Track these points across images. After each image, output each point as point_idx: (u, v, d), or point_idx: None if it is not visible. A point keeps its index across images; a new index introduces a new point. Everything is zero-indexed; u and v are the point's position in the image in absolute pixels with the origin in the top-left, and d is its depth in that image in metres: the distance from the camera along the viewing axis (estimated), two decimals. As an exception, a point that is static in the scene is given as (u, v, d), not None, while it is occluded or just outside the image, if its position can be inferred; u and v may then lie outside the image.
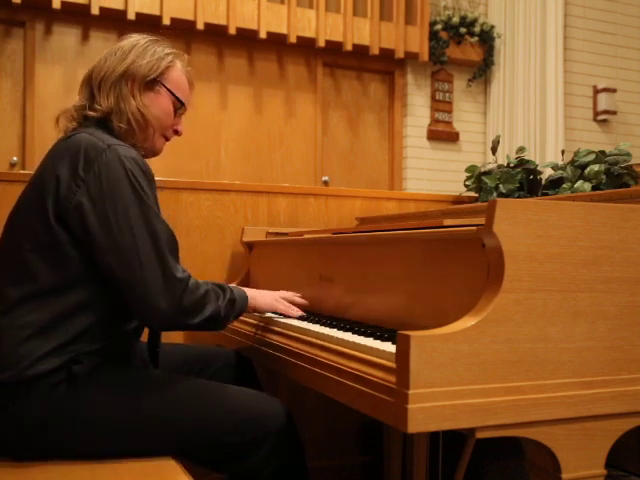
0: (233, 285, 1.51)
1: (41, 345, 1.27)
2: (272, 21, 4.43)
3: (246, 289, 1.54)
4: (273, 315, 1.65)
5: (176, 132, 1.55)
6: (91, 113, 1.42)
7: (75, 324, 1.30)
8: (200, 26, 4.22)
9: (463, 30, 4.97)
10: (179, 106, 1.52)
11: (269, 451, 1.34)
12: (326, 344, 1.29)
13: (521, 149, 2.31)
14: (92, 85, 1.45)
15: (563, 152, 2.35)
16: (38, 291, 1.29)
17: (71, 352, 1.29)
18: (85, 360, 1.30)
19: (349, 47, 4.64)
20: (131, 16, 4.05)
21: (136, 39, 1.49)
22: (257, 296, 1.58)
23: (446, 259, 1.22)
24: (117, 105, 1.42)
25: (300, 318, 1.59)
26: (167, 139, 1.54)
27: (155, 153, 1.54)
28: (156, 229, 1.30)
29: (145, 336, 1.54)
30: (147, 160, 1.51)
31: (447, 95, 5.11)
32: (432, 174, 5.03)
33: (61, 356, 1.28)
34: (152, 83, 1.46)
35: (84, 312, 1.31)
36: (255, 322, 1.70)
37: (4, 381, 1.26)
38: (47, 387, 1.27)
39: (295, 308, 1.63)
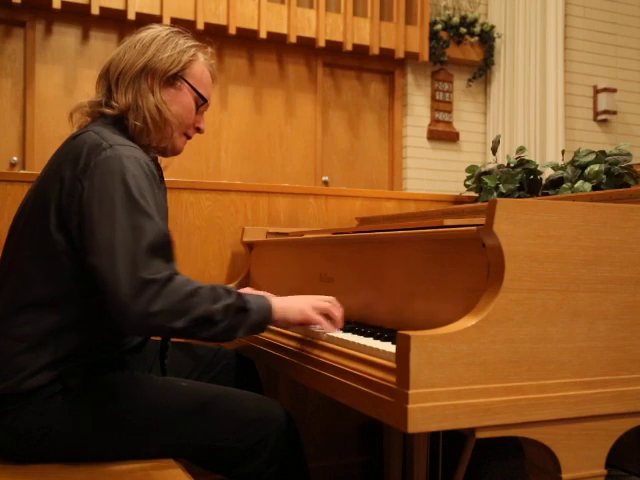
0: (262, 294, 1.35)
1: (35, 359, 1.24)
2: (272, 21, 4.43)
3: (279, 299, 1.34)
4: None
5: (198, 130, 1.48)
6: (107, 110, 1.36)
7: (69, 340, 1.27)
8: (200, 26, 4.21)
9: (463, 30, 4.97)
10: (201, 102, 1.45)
11: (269, 454, 1.33)
12: (326, 344, 1.29)
13: (521, 149, 2.31)
14: (110, 80, 1.38)
15: (563, 152, 2.35)
16: (34, 302, 1.27)
17: (66, 365, 1.27)
18: (80, 372, 1.29)
19: (349, 47, 4.64)
20: (131, 16, 4.05)
21: (157, 30, 1.41)
22: (287, 307, 1.32)
23: (446, 259, 1.22)
24: (135, 102, 1.35)
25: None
26: (188, 137, 1.48)
27: (175, 152, 1.47)
28: (141, 226, 1.19)
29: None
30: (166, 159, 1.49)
31: (447, 95, 5.10)
32: (432, 174, 5.03)
33: (55, 370, 1.26)
34: (173, 78, 1.39)
35: (78, 328, 1.28)
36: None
37: (1, 392, 1.25)
38: (44, 398, 1.25)
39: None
